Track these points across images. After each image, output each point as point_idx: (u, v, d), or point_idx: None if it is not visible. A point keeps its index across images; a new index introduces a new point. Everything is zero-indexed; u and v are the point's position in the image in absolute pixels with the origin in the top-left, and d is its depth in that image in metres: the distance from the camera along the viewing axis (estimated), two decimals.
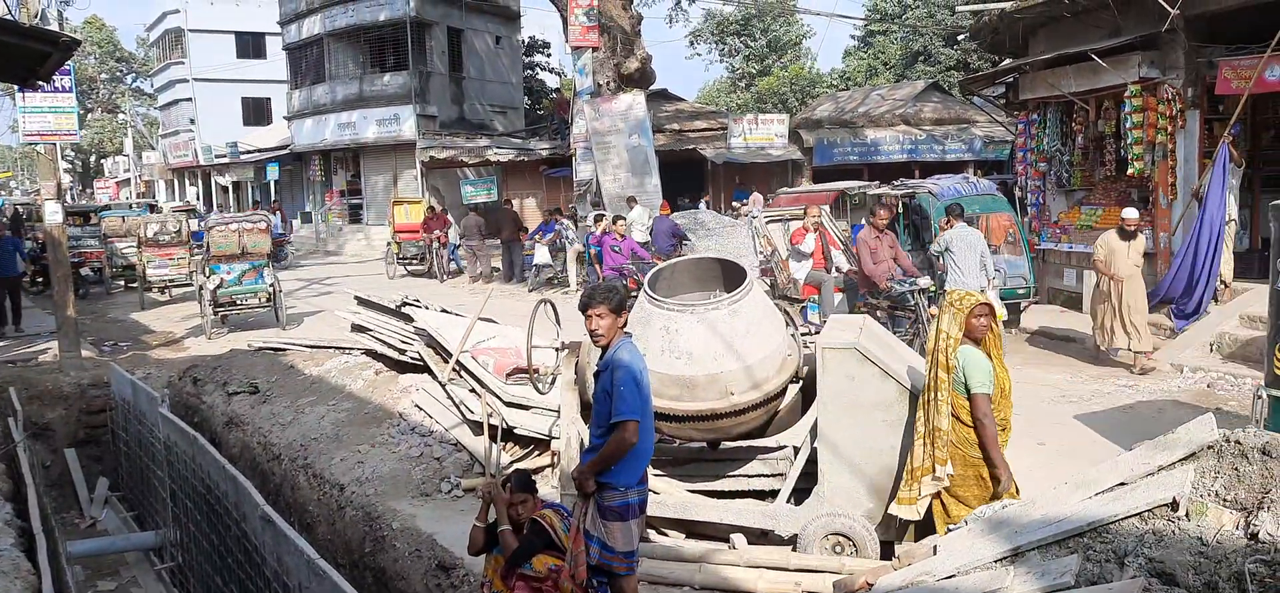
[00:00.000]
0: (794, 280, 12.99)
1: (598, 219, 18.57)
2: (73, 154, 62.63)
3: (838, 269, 12.60)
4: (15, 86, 12.80)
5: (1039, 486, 5.39)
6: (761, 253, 14.31)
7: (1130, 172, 13.70)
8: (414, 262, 25.07)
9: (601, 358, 4.84)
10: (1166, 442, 3.93)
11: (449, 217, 25.21)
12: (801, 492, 6.31)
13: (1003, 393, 5.38)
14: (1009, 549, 3.76)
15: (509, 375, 8.94)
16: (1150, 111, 13.23)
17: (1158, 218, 13.51)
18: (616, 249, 16.48)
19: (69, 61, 11.37)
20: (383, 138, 32.15)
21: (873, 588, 4.24)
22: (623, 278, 14.88)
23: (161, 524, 10.08)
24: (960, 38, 34.82)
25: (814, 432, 6.22)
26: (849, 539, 5.87)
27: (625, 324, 4.88)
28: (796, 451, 6.51)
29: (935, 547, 4.29)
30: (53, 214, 14.22)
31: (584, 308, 4.76)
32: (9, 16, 10.34)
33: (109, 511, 11.75)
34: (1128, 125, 13.51)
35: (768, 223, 14.90)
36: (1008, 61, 18.23)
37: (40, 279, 21.90)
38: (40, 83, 10.65)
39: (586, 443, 4.95)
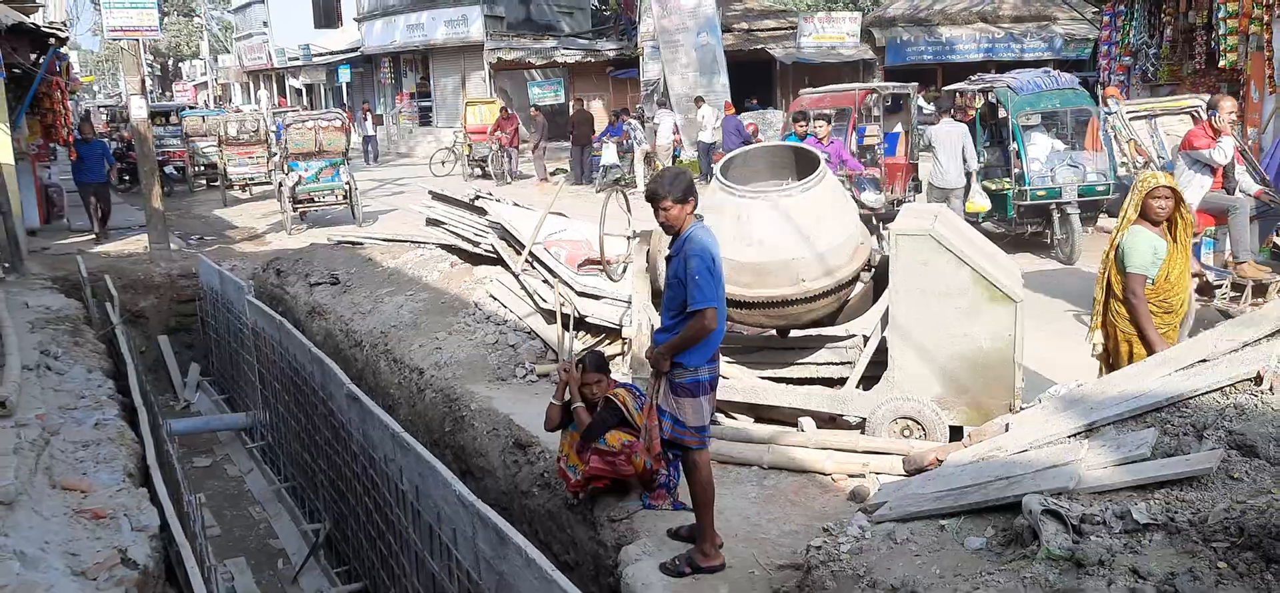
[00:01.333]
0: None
1: (798, 120, 12.77)
2: (151, 58, 63.75)
3: (1243, 192, 9.29)
4: None
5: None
6: (1124, 162, 11.65)
7: (1222, 64, 13.18)
8: (485, 163, 24.62)
9: (672, 243, 4.89)
10: (1253, 318, 3.90)
11: (518, 118, 25.06)
12: (870, 380, 6.37)
13: (1167, 279, 5.25)
14: (1083, 425, 3.79)
15: (580, 266, 9.07)
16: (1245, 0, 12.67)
17: (1249, 113, 13.01)
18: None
19: None
20: (451, 39, 32.15)
21: (943, 463, 4.31)
22: None
23: (252, 407, 10.54)
24: None
25: (884, 320, 6.25)
26: (918, 423, 5.94)
27: (695, 209, 4.89)
28: (866, 339, 6.54)
29: (1007, 425, 4.33)
30: (138, 110, 14.62)
31: (652, 198, 4.77)
32: None
33: (201, 394, 12.28)
34: (1220, 15, 12.96)
35: (1131, 119, 11.41)
36: None
37: (128, 177, 22.58)
38: None
39: (657, 326, 5.04)
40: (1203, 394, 3.53)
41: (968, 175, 12.39)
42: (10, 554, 4.15)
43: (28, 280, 11.50)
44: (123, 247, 15.23)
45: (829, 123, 12.37)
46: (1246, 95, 13.03)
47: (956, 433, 5.87)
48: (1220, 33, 13.01)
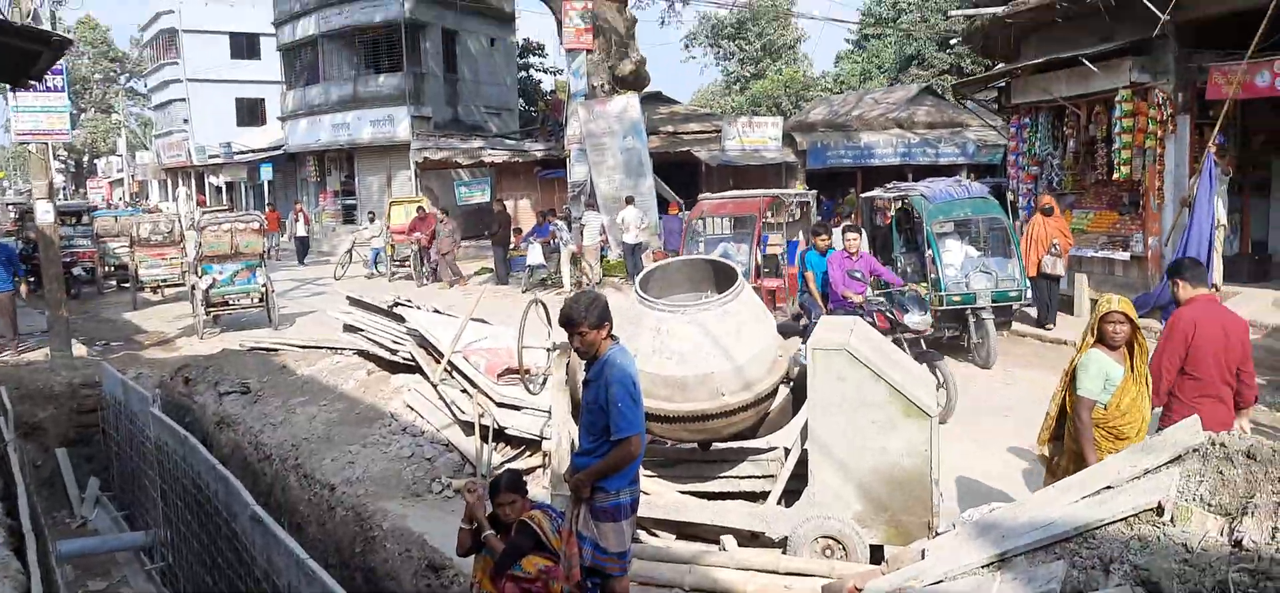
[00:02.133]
0: None
1: (819, 233, 11.63)
2: (66, 154, 62.42)
3: None
4: (7, 86, 12.75)
5: (1036, 489, 5.41)
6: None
7: (1119, 176, 13.75)
8: (407, 263, 24.38)
9: (589, 366, 4.84)
10: (1152, 444, 3.95)
11: (435, 217, 24.71)
12: (792, 494, 6.32)
13: (1119, 406, 5.29)
14: (996, 554, 3.77)
15: (500, 376, 8.94)
16: (1141, 116, 13.30)
17: (1148, 222, 13.56)
18: (856, 274, 10.68)
19: (61, 61, 11.35)
20: (377, 139, 32.11)
21: (862, 592, 4.25)
22: (866, 314, 9.90)
23: (152, 524, 10.04)
24: (953, 42, 34.89)
25: (804, 433, 6.24)
26: (839, 542, 5.89)
27: (610, 332, 4.86)
28: (787, 452, 6.52)
29: (924, 551, 4.30)
30: (45, 214, 14.18)
31: (567, 324, 4.69)
32: (1, 16, 10.32)
33: (100, 510, 11.70)
34: (1118, 130, 13.57)
35: None
36: (1000, 66, 18.28)
37: (33, 279, 21.83)
38: (32, 82, 10.61)
39: (577, 445, 4.94)
40: (1108, 524, 3.54)
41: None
42: None
43: None
44: (22, 355, 14.63)
45: (859, 234, 11.14)
46: (1145, 205, 13.59)
47: (877, 553, 5.83)
48: (1118, 146, 13.60)
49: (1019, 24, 15.72)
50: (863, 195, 15.88)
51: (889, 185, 14.52)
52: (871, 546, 5.87)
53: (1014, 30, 16.17)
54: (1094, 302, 5.66)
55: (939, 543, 4.30)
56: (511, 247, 22.58)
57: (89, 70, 61.06)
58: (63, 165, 61.59)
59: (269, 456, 9.72)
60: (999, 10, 15.96)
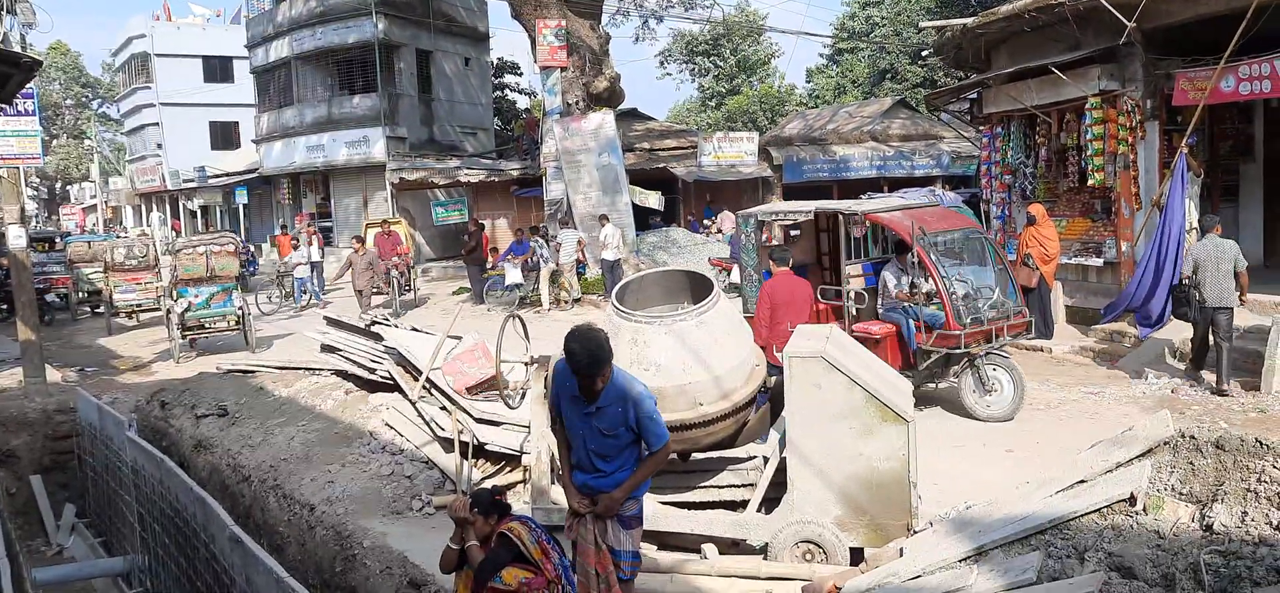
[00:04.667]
0: None
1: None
2: (38, 181, 61.90)
3: None
4: None
5: (1005, 491, 5.46)
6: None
7: (1092, 183, 13.91)
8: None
9: (592, 398, 4.83)
10: (1124, 438, 4.01)
11: (399, 235, 23.71)
12: (772, 501, 6.35)
13: None
14: (973, 548, 3.82)
15: (471, 388, 8.93)
16: (1111, 123, 13.47)
17: (1120, 227, 13.72)
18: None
19: (31, 84, 11.30)
20: (352, 160, 32.04)
21: (841, 591, 4.28)
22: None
23: (130, 550, 9.94)
24: (925, 54, 35.25)
25: (783, 442, 6.27)
26: (819, 547, 5.92)
27: None
28: (767, 460, 6.55)
29: (902, 549, 4.34)
30: (17, 239, 14.07)
31: (594, 368, 4.61)
32: None
33: (76, 537, 11.57)
34: (1089, 137, 13.74)
35: None
36: (972, 77, 18.48)
37: (4, 306, 21.63)
38: (2, 106, 10.57)
39: (584, 465, 4.92)
40: (1082, 516, 3.60)
41: None
42: None
43: None
44: None
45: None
46: (1117, 211, 13.75)
47: (858, 555, 5.86)
48: (1089, 153, 13.76)
49: (989, 35, 15.90)
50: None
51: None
52: (852, 548, 5.90)
53: (984, 41, 16.35)
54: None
55: (917, 541, 4.34)
56: (490, 266, 22.54)
57: (61, 96, 60.64)
58: (35, 192, 61.03)
59: (247, 477, 9.65)
60: (969, 22, 16.14)
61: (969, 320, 9.77)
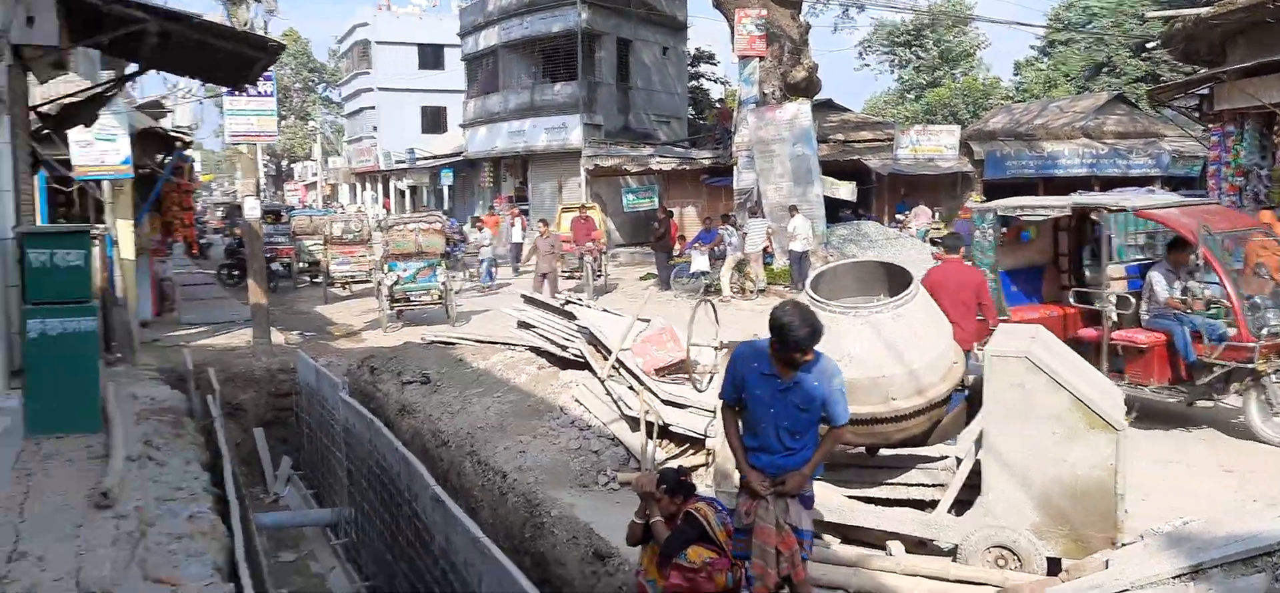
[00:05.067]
0: None
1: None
2: (267, 158, 66.96)
3: None
4: (224, 91, 13.88)
5: (1224, 512, 5.08)
6: None
7: None
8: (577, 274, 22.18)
9: (788, 374, 4.79)
10: None
11: (593, 221, 23.27)
12: (964, 503, 6.15)
13: None
14: (1189, 566, 3.57)
15: (659, 370, 9.05)
16: None
17: None
18: None
19: (272, 68, 12.26)
20: (551, 146, 33.04)
21: None
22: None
23: (338, 502, 10.68)
24: (1150, 45, 32.97)
25: (978, 443, 6.06)
26: (1013, 553, 5.68)
27: None
28: (960, 461, 6.34)
29: (1107, 561, 4.11)
30: (252, 210, 15.30)
31: (800, 347, 4.61)
32: (230, 26, 11.24)
33: (290, 488, 12.51)
34: None
35: None
36: (1202, 71, 17.15)
37: (236, 273, 23.60)
38: (247, 86, 11.50)
39: (768, 445, 4.88)
40: None
41: None
42: None
43: (137, 372, 11.97)
44: (229, 340, 15.79)
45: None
46: None
47: (1055, 565, 5.59)
48: None
49: (1225, 26, 14.71)
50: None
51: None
52: (1049, 558, 5.63)
53: (1219, 33, 15.14)
54: None
55: (1124, 553, 4.10)
56: (676, 253, 22.72)
57: (290, 80, 65.33)
58: (264, 168, 66.07)
59: (446, 442, 10.16)
60: (1203, 11, 14.99)
61: (1263, 332, 8.76)
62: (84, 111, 11.12)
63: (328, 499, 11.31)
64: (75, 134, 11.63)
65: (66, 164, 11.75)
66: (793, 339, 4.58)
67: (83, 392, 7.89)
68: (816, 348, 4.72)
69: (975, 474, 6.07)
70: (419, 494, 7.28)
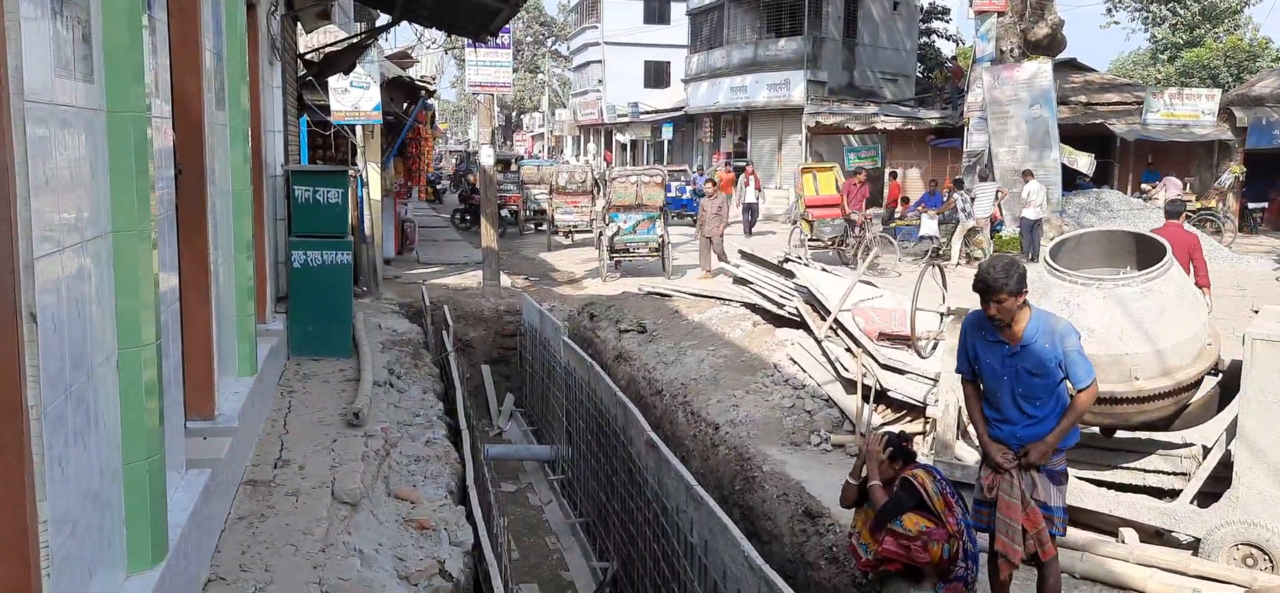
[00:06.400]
0: None
1: None
2: (499, 109, 70.00)
3: None
4: (467, 41, 14.61)
5: None
6: None
7: None
8: (835, 246, 18.94)
9: (998, 333, 4.70)
10: None
11: (869, 189, 20.24)
12: (1209, 496, 5.72)
13: None
14: None
15: (880, 336, 8.87)
16: None
17: None
18: None
19: (510, 22, 12.80)
20: (772, 102, 32.77)
21: None
22: None
23: (556, 440, 11.17)
24: None
25: (1231, 432, 5.61)
26: (1264, 553, 5.25)
27: (1026, 299, 4.70)
28: (1207, 450, 5.90)
29: None
30: (487, 158, 16.08)
31: (986, 290, 4.58)
32: None
33: (513, 423, 13.18)
34: None
35: None
36: None
37: (469, 217, 24.89)
38: (487, 38, 12.07)
39: (1009, 415, 4.74)
40: None
41: None
42: (353, 552, 4.65)
43: (381, 305, 12.91)
44: (461, 280, 16.73)
45: None
46: None
47: None
48: None
49: None
50: None
51: None
52: None
53: None
54: None
55: None
56: (897, 215, 22.06)
57: (522, 33, 67.79)
58: (496, 119, 69.13)
59: (660, 391, 10.40)
60: None
61: None
62: (342, 60, 12.01)
63: (546, 436, 11.84)
64: (334, 81, 12.58)
65: (325, 109, 12.74)
66: (986, 279, 4.53)
67: (338, 320, 8.62)
68: (1036, 309, 4.64)
69: (1224, 466, 5.64)
70: (634, 438, 7.52)
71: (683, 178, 31.62)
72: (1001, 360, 4.68)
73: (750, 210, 25.37)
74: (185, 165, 4.81)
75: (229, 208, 5.84)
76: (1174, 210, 9.61)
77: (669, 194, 24.68)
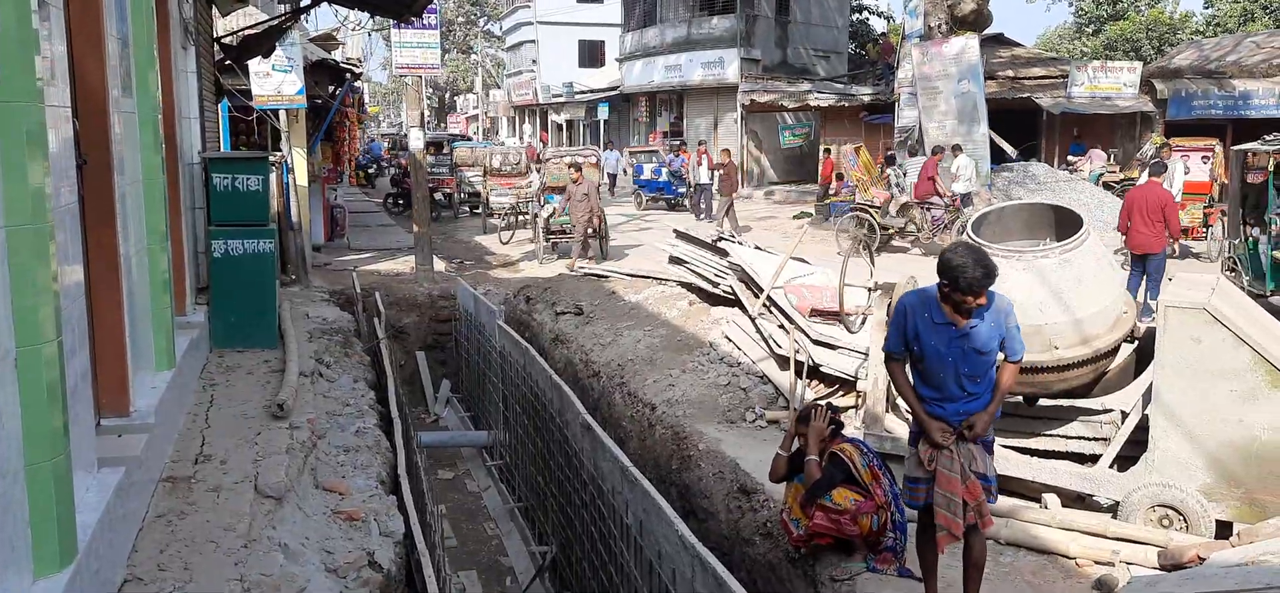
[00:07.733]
0: None
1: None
2: (430, 91, 69.04)
3: None
4: (392, 23, 14.37)
5: None
6: None
7: None
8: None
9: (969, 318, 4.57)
10: None
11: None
12: (1127, 460, 5.88)
13: None
14: None
15: (812, 312, 8.95)
16: None
17: None
18: None
19: (434, 1, 12.60)
20: (707, 81, 32.79)
21: (1205, 562, 3.90)
22: None
23: (493, 426, 11.10)
24: None
25: (1146, 397, 5.76)
26: (1179, 513, 5.41)
27: None
28: (1125, 415, 6.06)
29: None
30: (416, 141, 15.86)
31: (974, 290, 4.39)
32: None
33: (449, 409, 13.07)
34: None
35: None
36: None
37: (401, 201, 24.55)
38: (412, 19, 11.87)
39: (948, 392, 4.64)
40: None
41: None
42: (276, 546, 4.56)
43: (310, 293, 12.68)
44: (394, 265, 16.51)
45: None
46: None
47: (1224, 529, 5.30)
48: None
49: None
50: (1235, 148, 14.10)
51: (1269, 136, 12.81)
52: (1218, 520, 5.33)
53: None
54: None
55: None
56: (831, 191, 22.27)
57: (453, 13, 66.87)
58: (428, 100, 68.15)
59: (597, 372, 10.37)
60: None
61: None
62: (262, 43, 11.72)
63: (484, 422, 11.77)
64: (254, 65, 12.28)
65: (247, 94, 12.44)
66: (965, 281, 4.35)
67: (262, 310, 8.43)
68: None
69: (1141, 430, 5.79)
70: (570, 421, 7.50)
71: (656, 159, 29.09)
72: (948, 342, 4.55)
73: (703, 191, 24.46)
74: (90, 155, 4.65)
75: (140, 198, 5.66)
76: (1156, 169, 10.99)
77: (641, 177, 24.37)
